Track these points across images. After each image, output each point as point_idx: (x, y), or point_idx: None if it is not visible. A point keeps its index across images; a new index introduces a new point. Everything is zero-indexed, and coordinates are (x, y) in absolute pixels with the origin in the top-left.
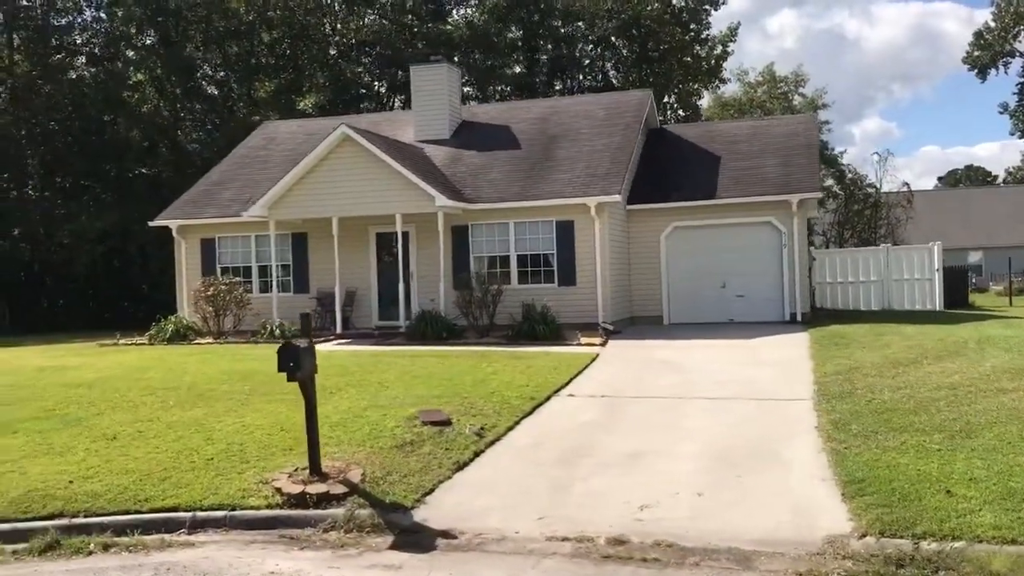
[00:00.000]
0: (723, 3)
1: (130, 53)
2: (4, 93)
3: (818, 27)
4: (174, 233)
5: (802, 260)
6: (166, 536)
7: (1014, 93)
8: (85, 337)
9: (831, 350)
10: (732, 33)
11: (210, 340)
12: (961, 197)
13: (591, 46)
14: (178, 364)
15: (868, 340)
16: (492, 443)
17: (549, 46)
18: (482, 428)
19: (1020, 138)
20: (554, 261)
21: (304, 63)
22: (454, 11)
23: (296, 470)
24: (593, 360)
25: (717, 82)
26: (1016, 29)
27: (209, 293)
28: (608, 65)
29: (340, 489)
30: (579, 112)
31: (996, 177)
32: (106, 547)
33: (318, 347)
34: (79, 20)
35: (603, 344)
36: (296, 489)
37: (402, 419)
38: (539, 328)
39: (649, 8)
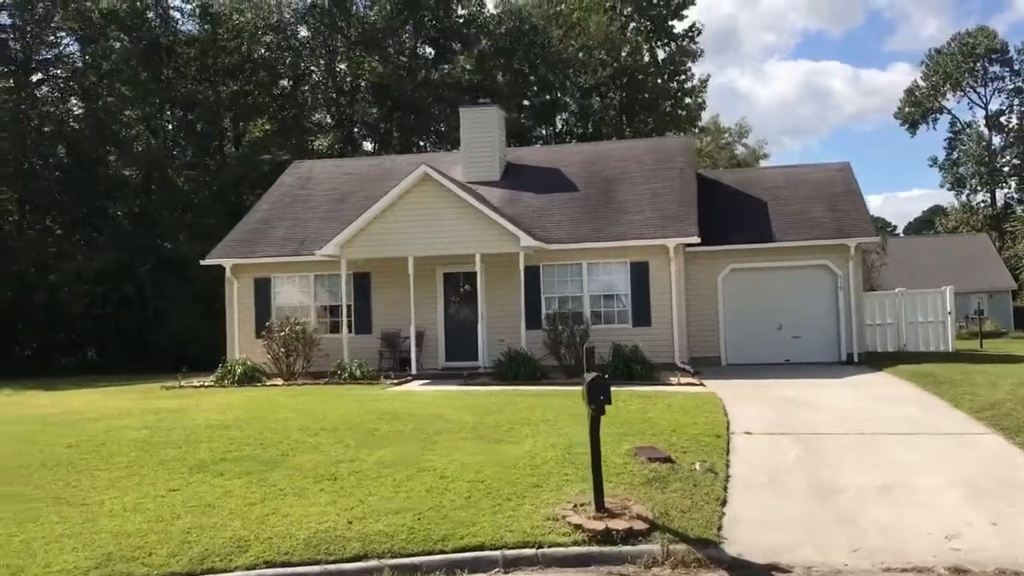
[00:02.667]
0: (700, 55)
1: (123, 88)
2: None
3: (714, 83)
4: (228, 273)
5: (858, 302)
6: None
7: (944, 147)
8: (111, 381)
9: (943, 388)
10: (703, 84)
11: (280, 382)
12: (901, 245)
13: (579, 94)
14: (298, 406)
15: (961, 378)
16: (727, 479)
17: (534, 89)
18: (710, 465)
19: (950, 190)
20: (628, 302)
21: (305, 102)
22: (457, 57)
23: (575, 506)
24: (722, 399)
25: (696, 131)
26: (944, 87)
27: (283, 334)
28: (593, 112)
29: (641, 525)
30: (625, 156)
31: (895, 227)
32: None
33: (404, 387)
34: (66, 54)
35: (701, 384)
36: (599, 525)
37: (622, 455)
38: (636, 368)
39: (638, 60)
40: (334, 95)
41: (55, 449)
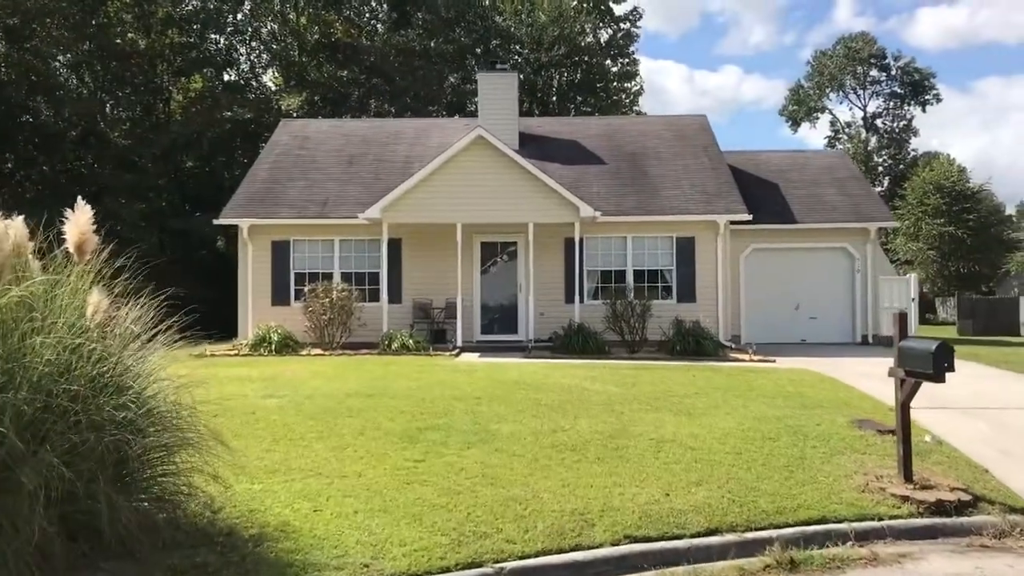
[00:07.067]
0: (637, 38)
1: (54, 31)
2: None
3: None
4: (244, 234)
5: (874, 285)
6: (862, 549)
7: (825, 146)
8: None
9: (999, 364)
10: (635, 66)
11: (320, 352)
12: None
13: (529, 70)
14: (401, 374)
15: (987, 353)
16: (955, 450)
17: (481, 61)
18: (937, 438)
19: None
20: (672, 277)
21: (257, 61)
22: (416, 23)
23: (878, 477)
24: (831, 376)
25: (635, 114)
26: (827, 89)
27: (326, 301)
28: (540, 89)
29: (965, 496)
30: (644, 132)
31: None
32: (841, 561)
33: (465, 359)
34: None
35: (772, 360)
36: (929, 497)
37: (845, 427)
38: (706, 344)
39: (585, 41)
40: (293, 55)
41: (207, 420)
